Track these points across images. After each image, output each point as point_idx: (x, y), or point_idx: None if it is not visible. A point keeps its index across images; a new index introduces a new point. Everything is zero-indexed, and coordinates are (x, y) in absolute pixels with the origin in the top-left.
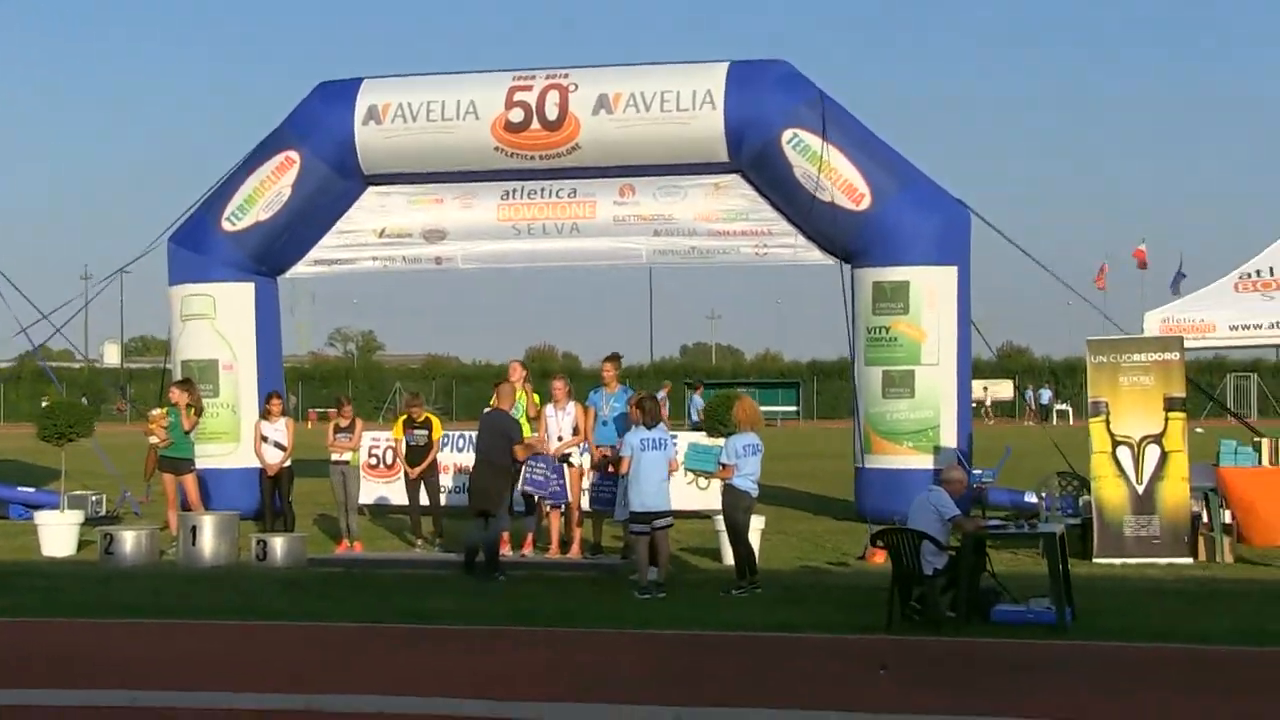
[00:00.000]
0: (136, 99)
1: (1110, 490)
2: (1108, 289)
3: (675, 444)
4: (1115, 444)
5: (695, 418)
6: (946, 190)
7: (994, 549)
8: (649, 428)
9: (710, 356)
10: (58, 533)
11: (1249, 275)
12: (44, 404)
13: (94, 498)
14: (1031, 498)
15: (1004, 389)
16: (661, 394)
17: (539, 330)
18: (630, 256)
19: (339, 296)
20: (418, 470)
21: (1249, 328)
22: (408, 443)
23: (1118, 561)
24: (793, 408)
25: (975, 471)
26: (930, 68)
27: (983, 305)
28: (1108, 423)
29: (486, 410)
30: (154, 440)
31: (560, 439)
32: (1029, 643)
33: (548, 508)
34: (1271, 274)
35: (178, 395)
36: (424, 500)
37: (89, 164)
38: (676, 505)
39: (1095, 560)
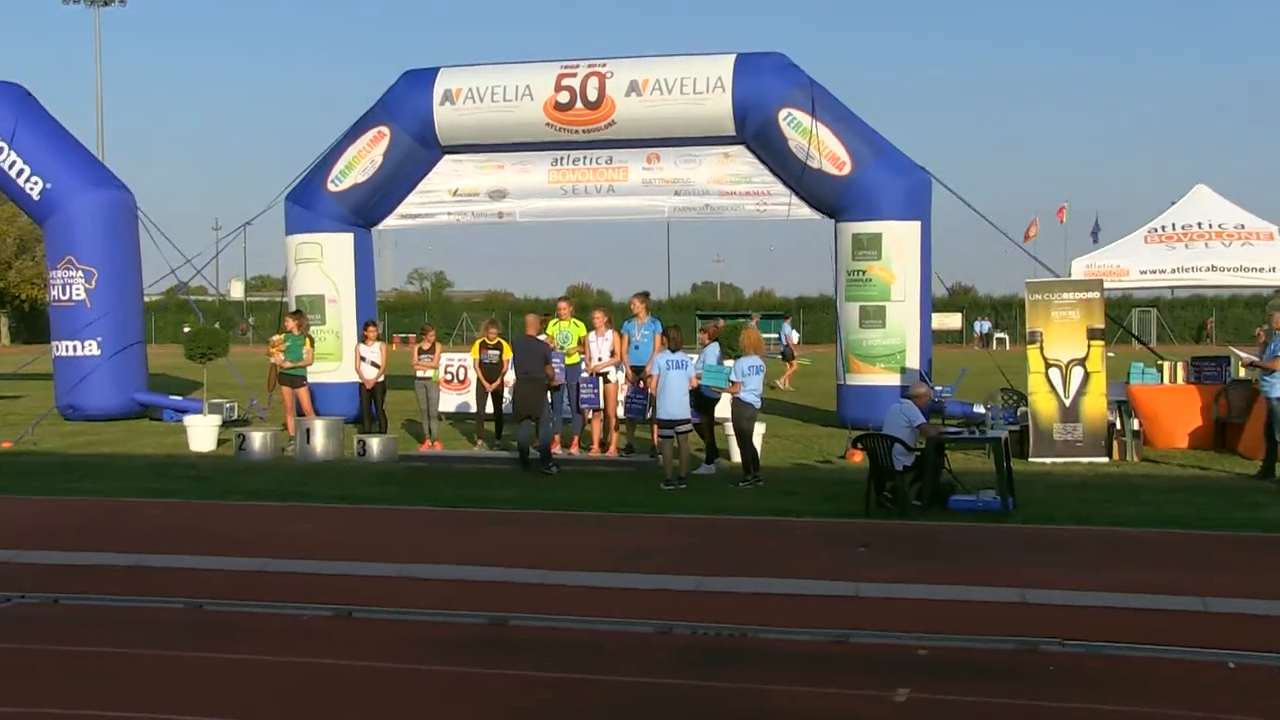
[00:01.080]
0: (259, 84)
1: (1043, 403)
2: (1040, 238)
3: (693, 364)
4: (1048, 366)
5: (785, 343)
6: (911, 159)
7: (951, 450)
8: (672, 351)
9: (715, 293)
10: (202, 432)
11: (1156, 230)
12: (186, 330)
13: (228, 405)
14: (980, 409)
15: (954, 320)
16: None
17: (578, 272)
18: (655, 212)
19: (417, 243)
20: (493, 385)
21: (1155, 272)
22: (482, 361)
23: (1049, 460)
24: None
25: (937, 388)
26: (902, 58)
27: (939, 252)
28: (1041, 349)
29: (520, 337)
30: (275, 360)
31: (599, 360)
32: (979, 525)
33: (589, 414)
34: (1174, 229)
35: (292, 324)
36: (489, 409)
37: (220, 135)
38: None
39: (1031, 460)
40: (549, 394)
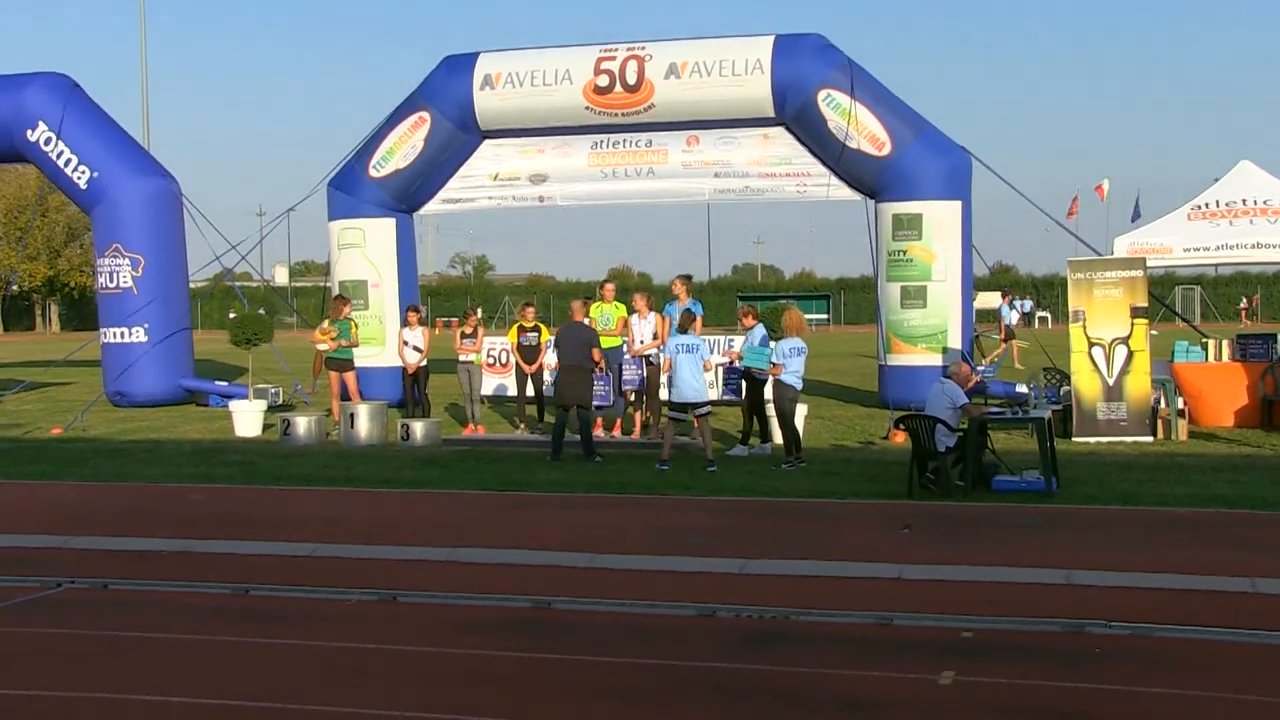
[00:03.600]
0: (301, 71)
1: (1087, 382)
2: (1081, 216)
3: (705, 347)
4: (1090, 345)
5: (1010, 322)
6: (952, 139)
7: (994, 431)
8: (681, 332)
9: (756, 275)
10: (247, 417)
11: (1199, 207)
12: (231, 316)
13: (273, 390)
14: (1023, 389)
15: (995, 300)
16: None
17: (619, 254)
18: (695, 195)
19: (458, 228)
20: (533, 367)
21: (1198, 249)
22: (521, 344)
23: (1092, 440)
24: (824, 316)
25: (980, 368)
26: (941, 37)
27: (980, 231)
28: (1085, 327)
29: (565, 325)
30: (322, 347)
31: (642, 342)
32: (1023, 506)
33: (631, 397)
34: (1217, 205)
35: (343, 309)
36: (530, 392)
37: (263, 122)
38: (734, 396)
39: (1074, 439)
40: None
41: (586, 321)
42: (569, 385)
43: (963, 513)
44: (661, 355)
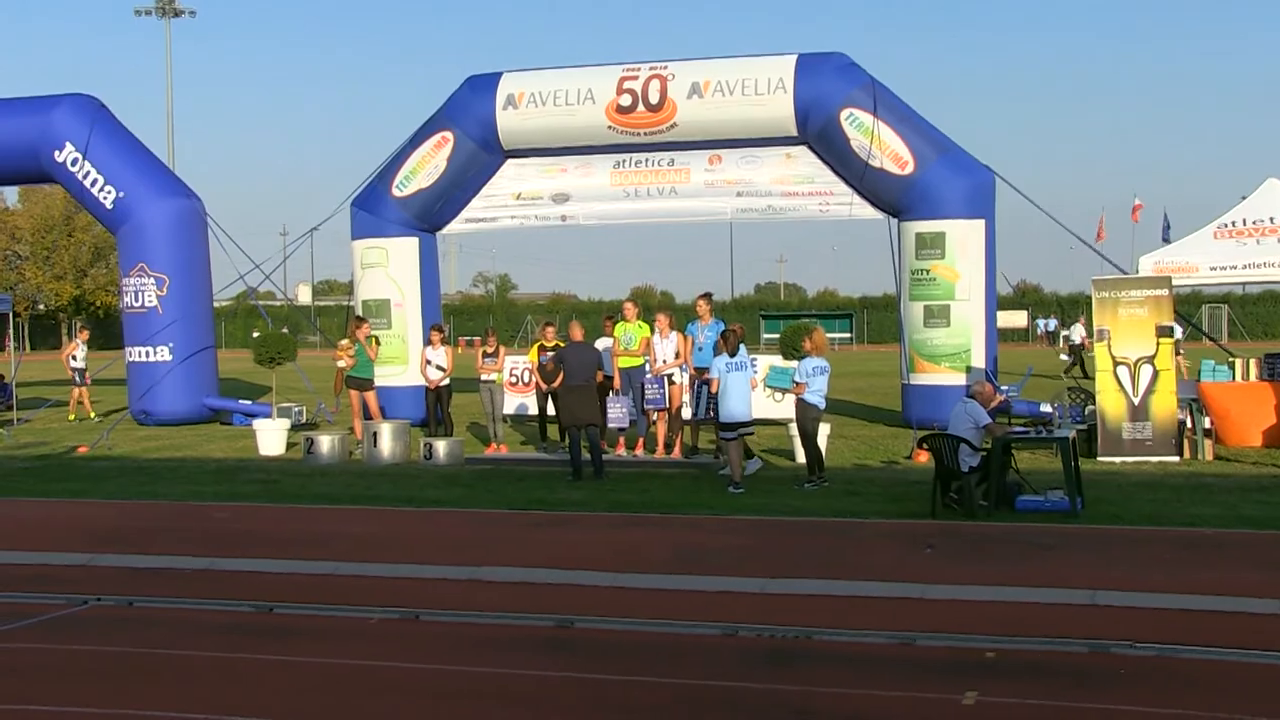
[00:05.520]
0: (325, 91)
1: (1111, 401)
2: (1106, 234)
3: (755, 366)
4: (1115, 364)
5: (1076, 341)
6: (975, 157)
7: (1018, 450)
8: (731, 354)
9: (779, 293)
10: (271, 436)
11: (1225, 225)
12: (255, 335)
13: (296, 409)
14: (1047, 408)
15: (1019, 318)
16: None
17: (642, 273)
18: (717, 214)
19: (481, 247)
20: (551, 387)
21: (1225, 268)
22: (541, 363)
23: (1117, 460)
24: (847, 335)
25: (1003, 387)
26: (964, 55)
27: (1004, 250)
28: (1109, 346)
29: (571, 345)
30: (342, 364)
31: (664, 361)
32: (1047, 526)
33: (653, 417)
34: (1244, 224)
35: (363, 329)
36: (551, 411)
37: (287, 142)
38: (758, 415)
39: (1099, 459)
40: (599, 396)
41: (609, 342)
42: (578, 405)
43: (986, 532)
44: (683, 375)
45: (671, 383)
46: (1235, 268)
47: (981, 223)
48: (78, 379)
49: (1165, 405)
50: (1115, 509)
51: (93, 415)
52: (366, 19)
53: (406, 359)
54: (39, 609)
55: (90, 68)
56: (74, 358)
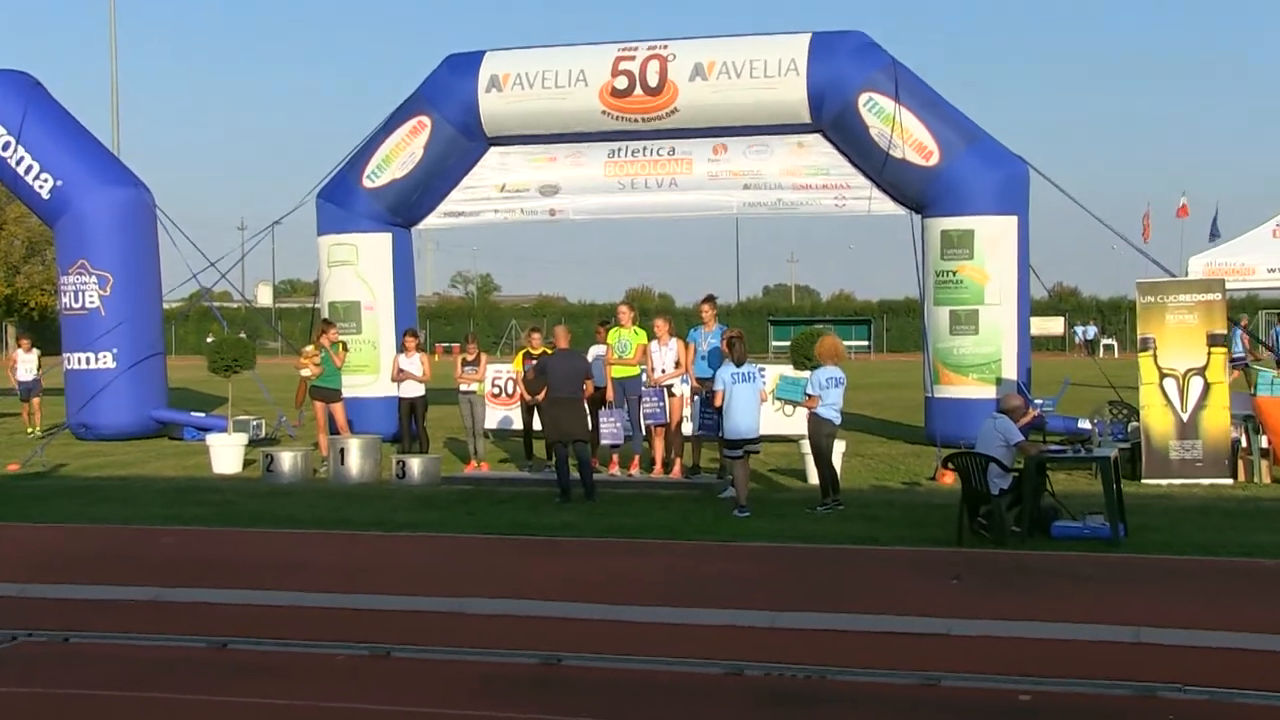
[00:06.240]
0: (289, 73)
1: (1157, 418)
2: (1151, 233)
3: (764, 376)
4: (1162, 376)
5: (1239, 352)
6: (1007, 147)
7: (1053, 470)
8: (737, 364)
9: (790, 296)
10: (226, 452)
11: None
12: (209, 340)
13: (255, 422)
14: (1086, 424)
15: (1055, 325)
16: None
17: (638, 273)
18: (722, 208)
19: (461, 244)
20: (535, 399)
21: None
22: (525, 372)
23: (1164, 482)
24: (864, 342)
25: (1036, 401)
26: (995, 35)
27: (1038, 249)
28: (1155, 357)
29: (555, 353)
30: (306, 373)
31: (663, 371)
32: (1087, 555)
33: (651, 432)
34: None
35: (329, 334)
36: (537, 425)
37: (246, 128)
38: (766, 430)
39: (1144, 481)
40: (588, 407)
41: (603, 350)
42: (564, 419)
43: (1018, 561)
44: (684, 386)
45: (671, 395)
46: None
47: (1014, 219)
48: (24, 392)
49: (1217, 422)
50: (1162, 536)
51: (36, 430)
52: None
53: (377, 367)
54: None
55: (25, 42)
56: (17, 370)
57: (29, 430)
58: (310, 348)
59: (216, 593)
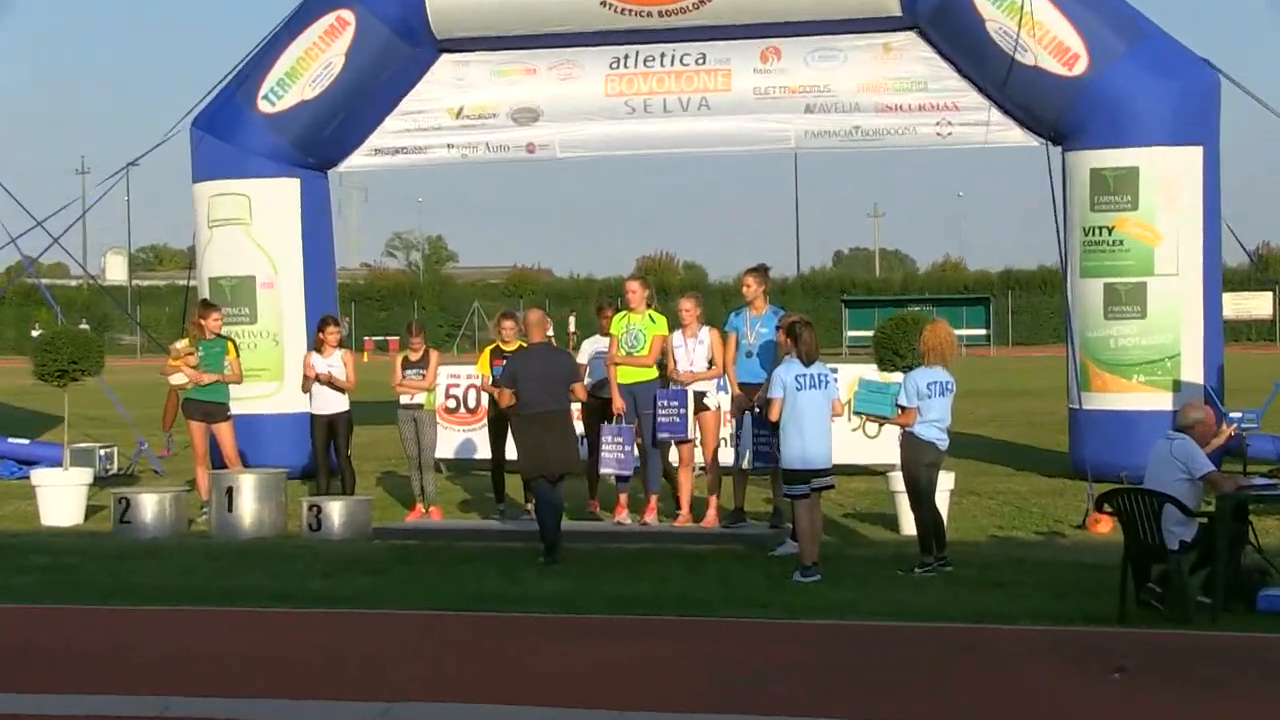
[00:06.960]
0: None
1: None
2: None
3: (837, 380)
4: None
5: None
6: (1188, 48)
7: (1258, 516)
8: (806, 363)
9: (872, 266)
10: (60, 496)
11: None
12: (36, 333)
13: (103, 451)
14: None
15: (1262, 305)
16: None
17: (655, 236)
18: (775, 140)
19: (400, 195)
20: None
21: None
22: (494, 378)
23: None
24: (981, 331)
25: (1233, 415)
26: None
27: (1233, 197)
28: None
29: (527, 350)
30: (177, 381)
31: (690, 370)
32: None
33: (673, 451)
34: None
35: (206, 323)
36: (512, 454)
37: (87, 35)
38: (840, 459)
39: None
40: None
41: (604, 343)
42: (550, 444)
43: (1209, 646)
44: (721, 395)
45: (703, 406)
46: None
47: (1198, 152)
48: None
49: None
50: None
51: None
52: None
53: (280, 371)
54: None
55: None
56: None
57: None
58: (183, 343)
59: (44, 699)
